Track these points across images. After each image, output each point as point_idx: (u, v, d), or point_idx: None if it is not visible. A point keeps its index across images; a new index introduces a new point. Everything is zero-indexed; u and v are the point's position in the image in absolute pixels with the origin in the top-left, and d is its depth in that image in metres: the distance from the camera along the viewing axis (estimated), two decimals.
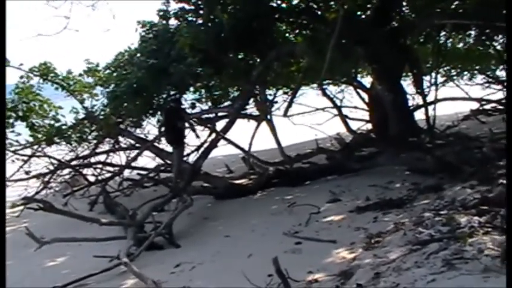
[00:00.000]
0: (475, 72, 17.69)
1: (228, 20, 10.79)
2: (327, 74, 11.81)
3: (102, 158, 13.45)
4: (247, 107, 12.92)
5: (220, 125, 12.19)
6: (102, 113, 12.37)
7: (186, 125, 11.05)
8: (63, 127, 12.39)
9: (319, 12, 12.11)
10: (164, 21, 12.02)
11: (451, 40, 15.40)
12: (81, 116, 12.56)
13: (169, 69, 10.89)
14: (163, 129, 11.68)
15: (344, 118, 13.78)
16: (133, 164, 12.92)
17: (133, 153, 12.97)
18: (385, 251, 5.33)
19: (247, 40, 11.15)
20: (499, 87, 17.40)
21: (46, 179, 12.64)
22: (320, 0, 11.90)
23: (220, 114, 12.85)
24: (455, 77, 17.31)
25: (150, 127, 13.21)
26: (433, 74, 13.24)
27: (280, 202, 9.43)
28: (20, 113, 12.09)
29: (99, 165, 13.27)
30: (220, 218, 9.39)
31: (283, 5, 12.18)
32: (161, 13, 11.66)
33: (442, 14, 11.45)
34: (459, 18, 11.28)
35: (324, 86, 14.20)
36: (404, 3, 12.67)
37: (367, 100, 14.13)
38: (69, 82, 12.43)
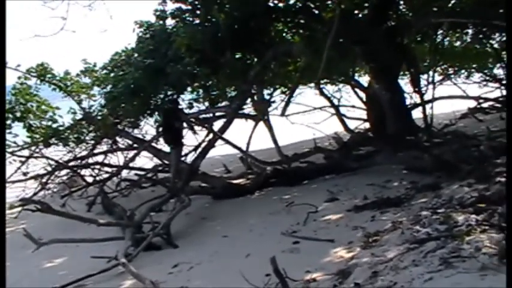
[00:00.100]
0: (473, 70, 17.69)
1: (224, 19, 10.79)
2: (324, 73, 11.83)
3: (100, 158, 13.45)
4: (245, 106, 12.91)
5: (218, 124, 12.19)
6: (100, 113, 12.36)
7: (184, 125, 11.05)
8: (61, 128, 12.37)
9: (316, 12, 12.11)
10: (161, 21, 12.01)
11: (448, 39, 15.41)
12: (78, 116, 12.55)
13: (166, 70, 10.89)
14: (161, 129, 11.67)
15: (341, 117, 13.80)
16: (131, 165, 12.92)
17: (131, 153, 12.96)
18: (382, 250, 5.33)
19: (244, 40, 11.16)
20: (497, 85, 17.43)
21: (44, 180, 12.62)
22: (317, 0, 11.90)
23: (217, 114, 12.85)
24: (452, 76, 17.32)
25: (148, 127, 13.22)
26: (431, 73, 13.25)
27: (278, 202, 9.43)
28: (18, 114, 12.08)
29: (97, 166, 13.25)
30: (218, 218, 9.39)
31: (280, 5, 12.17)
32: (158, 13, 11.63)
33: (439, 12, 11.46)
34: (456, 16, 11.29)
35: (322, 85, 14.23)
36: (401, 2, 12.69)
37: (364, 99, 14.15)
38: (67, 83, 12.41)
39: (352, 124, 14.23)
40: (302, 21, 12.30)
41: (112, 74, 12.54)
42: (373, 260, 5.07)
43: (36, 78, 12.11)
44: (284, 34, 13.03)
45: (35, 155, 12.60)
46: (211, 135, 11.70)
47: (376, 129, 12.55)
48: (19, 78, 12.14)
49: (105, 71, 12.81)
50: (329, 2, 11.73)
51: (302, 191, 10.13)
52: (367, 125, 14.00)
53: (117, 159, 13.37)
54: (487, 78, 17.84)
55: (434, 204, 6.74)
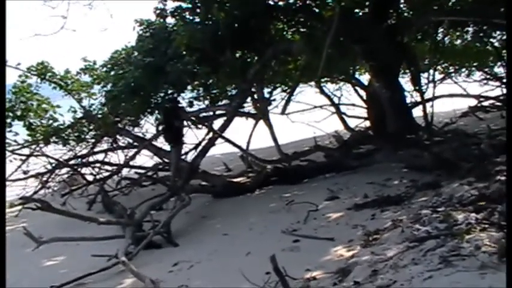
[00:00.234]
0: (473, 69, 17.69)
1: (224, 18, 10.78)
2: (324, 72, 11.83)
3: (100, 157, 13.45)
4: (245, 105, 12.92)
5: (218, 123, 12.20)
6: (100, 112, 12.36)
7: (185, 123, 11.05)
8: (61, 126, 12.37)
9: (316, 10, 12.10)
10: (161, 20, 12.00)
11: (448, 37, 15.40)
12: (79, 115, 12.55)
13: (166, 68, 10.88)
14: (161, 128, 11.68)
15: (342, 116, 13.80)
16: (131, 163, 12.92)
17: (132, 152, 12.96)
18: (382, 248, 5.33)
19: (244, 38, 11.15)
20: (497, 84, 17.42)
21: (44, 178, 12.61)
22: None
23: (218, 112, 12.85)
24: (453, 74, 17.32)
25: (148, 126, 13.22)
26: (431, 71, 13.25)
27: (278, 200, 9.42)
28: (18, 113, 12.08)
29: (97, 164, 13.26)
30: (218, 216, 9.39)
31: (280, 3, 12.17)
32: (158, 11, 11.63)
33: (440, 11, 11.46)
34: (456, 15, 11.28)
35: (322, 84, 14.23)
36: (401, 0, 12.68)
37: (365, 97, 14.15)
38: (67, 81, 12.40)
39: (352, 122, 14.22)
40: (302, 19, 12.29)
41: (112, 73, 12.54)
42: (373, 258, 5.07)
43: (37, 77, 12.11)
44: (284, 33, 13.01)
45: (36, 153, 12.60)
46: (211, 134, 11.71)
47: (377, 127, 12.56)
48: (20, 76, 12.15)
49: (105, 69, 12.80)
50: (329, 1, 11.73)
51: (302, 189, 10.13)
52: (367, 123, 14.01)
53: (118, 157, 13.37)
54: (488, 76, 17.84)
55: (434, 202, 6.73)
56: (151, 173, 12.67)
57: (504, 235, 4.30)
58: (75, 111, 12.48)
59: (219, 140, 11.64)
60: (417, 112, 12.88)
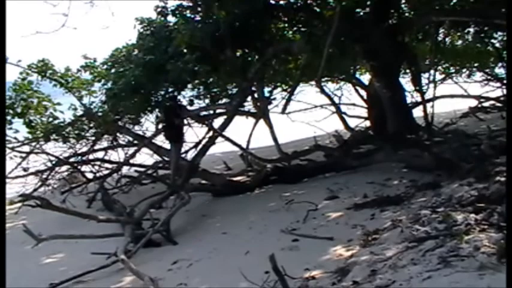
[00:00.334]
0: (474, 69, 17.68)
1: (225, 17, 10.78)
2: (325, 71, 11.82)
3: (100, 155, 13.44)
4: (245, 104, 12.92)
5: (218, 122, 12.20)
6: (101, 110, 12.35)
7: (185, 122, 11.06)
8: (62, 124, 12.36)
9: (317, 10, 12.10)
10: (162, 18, 12.00)
11: (449, 37, 15.40)
12: (79, 113, 12.54)
13: (166, 66, 10.88)
14: (161, 126, 11.69)
15: (342, 115, 13.80)
16: (131, 161, 12.91)
17: (132, 150, 12.97)
18: (381, 248, 5.33)
19: (245, 37, 11.15)
20: (498, 84, 17.41)
21: (44, 176, 12.62)
22: None
23: (218, 111, 12.85)
24: (453, 75, 17.31)
25: (148, 124, 13.22)
26: (432, 71, 13.24)
27: (278, 199, 9.41)
28: (18, 110, 12.07)
29: (97, 162, 13.25)
30: (217, 215, 9.39)
31: (281, 2, 12.17)
32: (159, 10, 11.62)
33: (440, 11, 11.45)
34: (457, 15, 11.28)
35: (322, 83, 14.23)
36: (402, 0, 12.67)
37: (365, 97, 14.14)
38: (67, 79, 12.39)
39: (352, 122, 14.24)
40: (303, 18, 12.28)
41: (113, 70, 12.53)
42: (372, 258, 5.07)
43: (37, 74, 12.10)
44: (285, 32, 13.01)
45: (36, 150, 12.60)
46: (211, 132, 11.71)
47: (377, 127, 12.56)
48: (21, 73, 12.14)
49: (105, 67, 12.79)
50: (330, 0, 11.72)
51: (302, 188, 10.12)
52: (367, 123, 14.01)
53: (118, 155, 13.37)
54: (489, 77, 17.83)
55: (433, 203, 6.74)
56: (151, 171, 12.67)
57: (503, 236, 4.31)
58: (75, 109, 12.47)
59: (219, 139, 11.64)
60: (417, 112, 12.89)
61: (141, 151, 12.70)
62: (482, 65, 17.23)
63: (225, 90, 13.22)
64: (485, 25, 12.69)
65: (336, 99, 14.88)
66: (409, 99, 13.01)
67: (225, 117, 11.88)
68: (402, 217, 6.50)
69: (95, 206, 11.28)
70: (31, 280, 7.17)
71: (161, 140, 12.20)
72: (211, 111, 12.95)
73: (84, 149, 13.20)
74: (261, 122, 12.53)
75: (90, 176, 13.08)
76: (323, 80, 14.20)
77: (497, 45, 15.13)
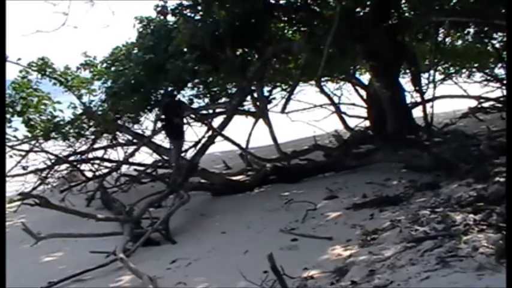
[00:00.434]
0: (474, 70, 17.66)
1: (225, 16, 10.78)
2: (324, 71, 11.82)
3: (99, 153, 13.43)
4: (245, 103, 12.91)
5: (218, 121, 12.20)
6: (100, 108, 12.34)
7: (184, 120, 11.07)
8: (61, 123, 12.36)
9: (317, 9, 12.09)
10: (162, 17, 11.99)
11: (449, 38, 15.39)
12: (79, 111, 12.53)
13: (166, 65, 10.87)
14: (160, 124, 11.69)
15: (342, 115, 13.80)
16: (130, 160, 12.91)
17: (131, 149, 12.96)
18: (380, 248, 5.34)
19: (245, 37, 11.16)
20: (498, 85, 17.40)
21: (43, 174, 12.61)
22: None
23: (218, 110, 12.85)
24: (453, 75, 17.30)
25: (148, 123, 13.20)
26: (431, 72, 13.23)
27: (277, 199, 9.42)
28: (18, 108, 12.06)
29: (97, 161, 13.24)
30: (217, 214, 9.38)
31: (281, 2, 12.17)
32: (159, 9, 11.62)
33: (440, 11, 11.45)
34: (457, 15, 11.27)
35: (322, 83, 14.23)
36: (402, 0, 12.67)
37: (365, 97, 14.14)
38: (67, 77, 12.38)
39: (352, 122, 14.23)
40: (303, 18, 12.28)
41: (112, 69, 12.52)
42: (371, 258, 5.08)
43: (37, 73, 12.09)
44: (285, 31, 13.01)
45: (35, 149, 12.59)
46: (211, 132, 11.71)
47: (376, 127, 12.56)
48: (20, 72, 12.13)
49: (105, 65, 12.78)
50: (330, 0, 11.72)
51: (301, 188, 10.12)
52: (367, 123, 14.00)
53: (117, 154, 13.36)
54: (488, 78, 17.81)
55: (432, 203, 6.75)
56: (150, 170, 12.66)
57: (502, 236, 4.31)
58: (75, 108, 12.46)
59: (219, 138, 11.64)
60: (417, 112, 12.89)
61: (141, 150, 12.70)
62: (482, 65, 17.20)
63: (225, 89, 13.21)
64: (485, 25, 12.67)
65: (336, 99, 14.87)
66: (408, 100, 13.01)
67: (224, 116, 11.88)
68: (401, 217, 6.51)
69: (94, 205, 11.27)
70: (30, 278, 7.16)
71: (160, 139, 12.21)
72: (211, 111, 12.95)
73: (84, 148, 13.19)
74: (261, 121, 12.54)
75: (89, 174, 13.06)
76: (323, 79, 14.19)
77: (497, 45, 15.11)
